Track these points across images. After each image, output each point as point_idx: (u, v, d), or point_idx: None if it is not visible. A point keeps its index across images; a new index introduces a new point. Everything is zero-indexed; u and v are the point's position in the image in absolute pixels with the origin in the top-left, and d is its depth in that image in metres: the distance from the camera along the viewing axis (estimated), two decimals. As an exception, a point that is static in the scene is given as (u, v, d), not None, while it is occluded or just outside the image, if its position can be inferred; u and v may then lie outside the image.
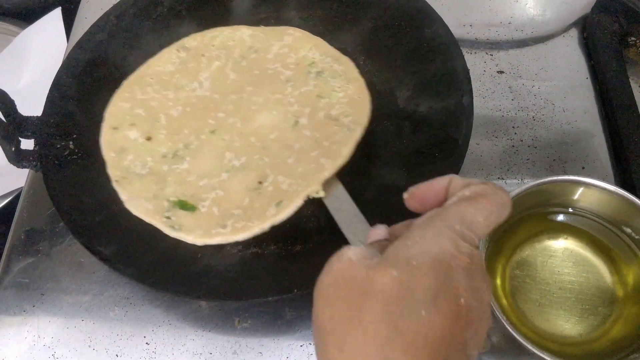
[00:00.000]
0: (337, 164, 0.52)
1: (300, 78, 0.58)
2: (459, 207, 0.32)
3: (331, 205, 0.48)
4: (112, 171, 0.54)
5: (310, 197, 0.50)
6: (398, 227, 0.36)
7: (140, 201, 0.52)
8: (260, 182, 0.52)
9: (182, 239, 0.50)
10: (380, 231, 0.36)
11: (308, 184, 0.51)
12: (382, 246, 0.34)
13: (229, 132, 0.56)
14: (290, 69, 0.59)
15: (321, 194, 0.50)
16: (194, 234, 0.50)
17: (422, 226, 0.32)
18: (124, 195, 0.52)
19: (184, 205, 0.51)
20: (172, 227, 0.50)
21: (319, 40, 0.61)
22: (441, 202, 0.34)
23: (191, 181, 0.53)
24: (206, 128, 0.56)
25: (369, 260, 0.31)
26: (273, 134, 0.55)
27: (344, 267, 0.31)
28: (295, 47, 0.60)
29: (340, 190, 0.49)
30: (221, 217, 0.50)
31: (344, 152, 0.53)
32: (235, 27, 0.63)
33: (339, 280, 0.31)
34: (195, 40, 0.62)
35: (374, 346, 0.28)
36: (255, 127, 0.56)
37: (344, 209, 0.46)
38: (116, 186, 0.52)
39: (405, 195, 0.36)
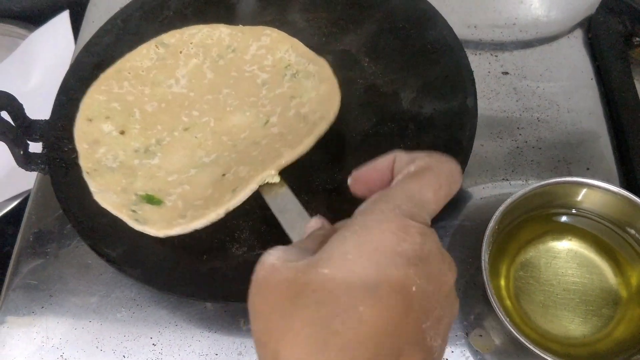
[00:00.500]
0: (296, 152, 0.50)
1: (276, 80, 0.58)
2: (404, 186, 0.30)
3: (272, 202, 0.46)
4: (84, 162, 0.53)
5: (264, 182, 0.48)
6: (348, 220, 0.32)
7: (108, 194, 0.51)
8: (223, 175, 0.52)
9: (146, 232, 0.49)
10: (313, 223, 0.34)
11: (264, 169, 0.49)
12: (321, 239, 0.31)
13: (202, 131, 0.55)
14: (267, 72, 0.59)
15: (276, 179, 0.48)
16: (156, 226, 0.49)
17: (364, 212, 0.29)
18: (93, 187, 0.52)
19: (150, 200, 0.51)
20: (137, 220, 0.50)
21: (295, 41, 0.60)
22: (387, 183, 0.32)
23: (160, 176, 0.53)
24: (180, 125, 0.56)
25: (295, 262, 0.29)
26: (244, 133, 0.55)
27: (267, 275, 0.29)
28: (272, 48, 0.60)
29: (282, 188, 0.47)
30: (184, 209, 0.50)
31: (305, 142, 0.51)
32: (214, 25, 0.62)
33: (264, 290, 0.29)
34: (173, 37, 0.61)
35: (307, 351, 0.26)
36: (229, 126, 0.55)
37: (283, 203, 0.45)
38: (87, 177, 0.52)
39: (349, 181, 0.34)
